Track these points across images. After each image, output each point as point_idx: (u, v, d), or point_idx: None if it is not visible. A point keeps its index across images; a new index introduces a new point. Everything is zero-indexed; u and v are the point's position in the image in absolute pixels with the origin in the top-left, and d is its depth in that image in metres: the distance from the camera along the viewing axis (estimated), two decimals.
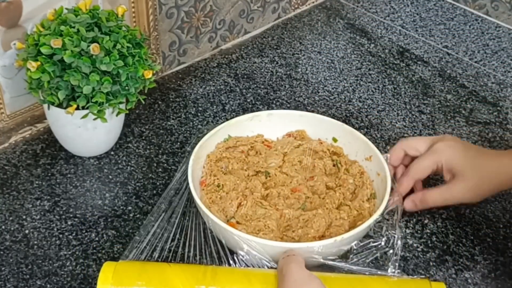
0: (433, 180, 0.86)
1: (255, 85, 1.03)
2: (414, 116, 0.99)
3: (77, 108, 0.78)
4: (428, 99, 1.03)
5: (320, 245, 0.67)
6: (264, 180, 0.79)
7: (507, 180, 0.78)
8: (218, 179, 0.78)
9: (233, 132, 0.84)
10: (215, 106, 0.98)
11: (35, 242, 0.76)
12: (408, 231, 0.80)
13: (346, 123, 0.96)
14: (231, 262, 0.70)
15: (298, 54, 1.11)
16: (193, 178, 0.75)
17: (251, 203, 0.75)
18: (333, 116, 0.98)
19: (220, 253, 0.71)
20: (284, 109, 0.99)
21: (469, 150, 0.80)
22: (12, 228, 0.77)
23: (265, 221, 0.73)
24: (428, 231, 0.80)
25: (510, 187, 0.79)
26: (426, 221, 0.81)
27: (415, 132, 0.96)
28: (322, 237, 0.72)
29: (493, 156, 0.80)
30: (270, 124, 0.85)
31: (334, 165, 0.82)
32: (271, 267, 0.68)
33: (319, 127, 0.85)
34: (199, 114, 0.97)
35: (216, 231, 0.71)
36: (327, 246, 0.67)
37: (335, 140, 0.84)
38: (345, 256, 0.71)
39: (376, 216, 0.71)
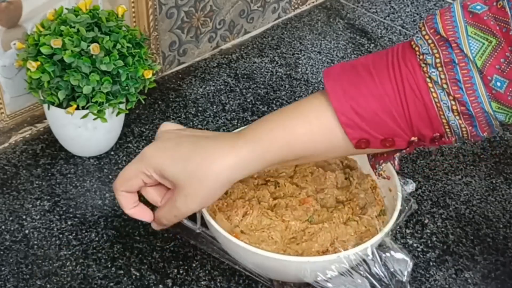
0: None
1: (255, 85, 1.03)
2: None
3: (77, 108, 0.78)
4: None
5: (321, 260, 0.66)
6: (273, 190, 0.77)
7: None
8: None
9: None
10: (215, 106, 0.98)
11: (35, 242, 0.76)
12: (408, 231, 0.80)
13: None
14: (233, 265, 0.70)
15: (298, 54, 1.11)
16: None
17: (257, 213, 0.73)
18: None
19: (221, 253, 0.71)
20: None
21: (180, 146, 0.64)
22: (12, 228, 0.77)
23: (269, 232, 0.71)
24: (428, 231, 0.80)
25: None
26: (426, 221, 0.81)
27: None
28: (326, 251, 0.70)
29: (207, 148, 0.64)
30: None
31: (346, 178, 0.79)
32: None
33: None
34: (199, 114, 0.97)
35: (218, 239, 0.70)
36: (329, 262, 0.66)
37: None
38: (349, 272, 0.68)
39: (381, 235, 0.68)
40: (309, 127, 0.62)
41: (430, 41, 0.59)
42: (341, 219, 0.73)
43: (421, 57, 0.60)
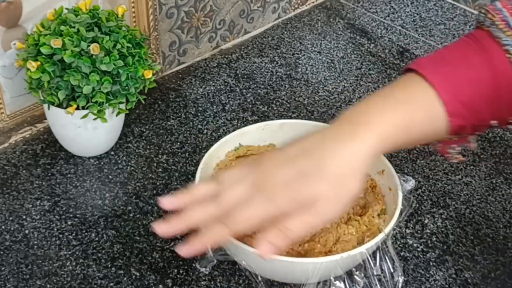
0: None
1: (255, 85, 1.03)
2: None
3: (77, 108, 0.78)
4: None
5: (325, 261, 0.65)
6: None
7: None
8: None
9: (244, 141, 0.82)
10: (215, 106, 0.98)
11: (35, 242, 0.76)
12: (408, 231, 0.80)
13: None
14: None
15: (298, 54, 1.11)
16: None
17: None
18: (333, 116, 0.98)
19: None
20: (284, 109, 0.99)
21: (293, 162, 0.62)
22: (12, 228, 0.77)
23: None
24: (428, 231, 0.80)
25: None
26: (426, 221, 0.81)
27: None
28: (329, 252, 0.70)
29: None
30: (283, 134, 0.83)
31: None
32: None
33: None
34: (199, 114, 0.97)
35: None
36: (332, 263, 0.66)
37: None
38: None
39: (383, 234, 0.68)
40: (422, 113, 0.62)
41: (506, 30, 0.61)
42: (342, 219, 0.73)
43: (504, 48, 0.61)
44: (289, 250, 0.70)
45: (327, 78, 1.06)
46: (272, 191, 0.60)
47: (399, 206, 0.71)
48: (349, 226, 0.72)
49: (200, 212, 0.62)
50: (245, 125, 0.86)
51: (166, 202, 0.64)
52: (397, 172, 0.75)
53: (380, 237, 0.68)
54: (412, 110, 0.62)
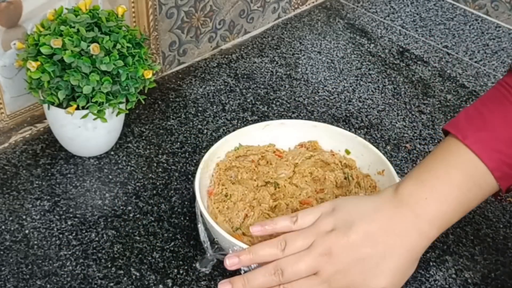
0: None
1: (255, 85, 1.03)
2: (414, 116, 0.99)
3: (77, 108, 0.78)
4: (428, 99, 1.03)
5: None
6: (273, 191, 0.77)
7: None
8: (226, 188, 0.76)
9: (244, 141, 0.82)
10: (215, 106, 0.98)
11: (35, 242, 0.76)
12: None
13: (346, 123, 0.96)
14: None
15: (298, 54, 1.11)
16: (201, 186, 0.73)
17: (258, 215, 0.73)
18: (333, 116, 0.98)
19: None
20: (284, 109, 0.99)
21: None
22: (12, 228, 0.77)
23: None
24: None
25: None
26: None
27: (415, 132, 0.96)
28: None
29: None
30: (282, 134, 0.84)
31: (345, 178, 0.80)
32: None
33: (332, 139, 0.83)
34: (199, 114, 0.97)
35: (221, 242, 0.70)
36: None
37: (348, 152, 0.83)
38: None
39: None
40: (475, 187, 0.65)
41: None
42: None
43: None
44: None
45: (327, 78, 1.06)
46: (333, 278, 0.64)
47: None
48: None
49: (261, 277, 0.65)
50: (245, 125, 0.86)
51: (229, 263, 0.67)
52: (397, 173, 0.76)
53: None
54: (466, 187, 0.65)
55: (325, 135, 0.84)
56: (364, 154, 0.81)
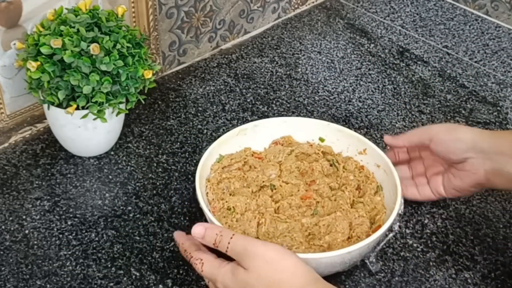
0: None
1: (255, 85, 1.03)
2: (414, 116, 0.99)
3: (77, 108, 0.78)
4: (428, 99, 1.03)
5: (359, 247, 0.67)
6: (271, 193, 0.77)
7: None
8: (226, 202, 0.74)
9: (224, 150, 0.81)
10: (215, 106, 0.98)
11: (35, 242, 0.76)
12: (408, 231, 0.80)
13: (346, 123, 0.96)
14: None
15: (298, 54, 1.11)
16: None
17: (270, 220, 0.72)
18: (333, 116, 0.98)
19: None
20: (284, 109, 0.99)
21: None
22: (12, 228, 0.77)
23: (291, 234, 0.70)
24: (428, 231, 0.80)
25: None
26: (426, 221, 0.81)
27: None
28: (349, 238, 0.71)
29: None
30: (255, 135, 0.83)
31: (331, 165, 0.80)
32: None
33: (304, 130, 0.84)
34: (199, 114, 0.97)
35: None
36: (363, 248, 0.68)
37: (322, 140, 0.84)
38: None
39: (398, 207, 0.71)
40: None
41: None
42: (347, 204, 0.75)
43: None
44: (311, 245, 0.71)
45: (327, 78, 1.06)
46: None
47: (397, 179, 0.75)
48: (358, 209, 0.74)
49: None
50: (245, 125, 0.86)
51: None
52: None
53: (396, 211, 0.71)
54: None
55: (298, 128, 0.84)
56: (340, 139, 0.83)
